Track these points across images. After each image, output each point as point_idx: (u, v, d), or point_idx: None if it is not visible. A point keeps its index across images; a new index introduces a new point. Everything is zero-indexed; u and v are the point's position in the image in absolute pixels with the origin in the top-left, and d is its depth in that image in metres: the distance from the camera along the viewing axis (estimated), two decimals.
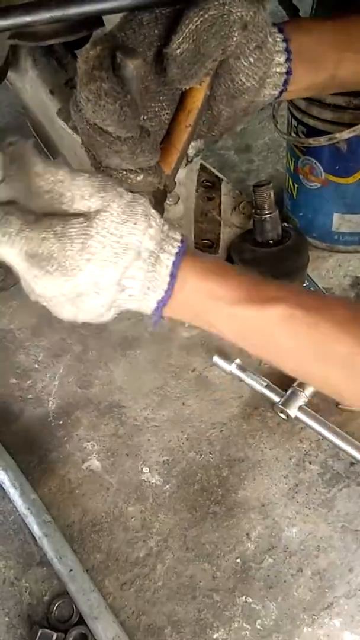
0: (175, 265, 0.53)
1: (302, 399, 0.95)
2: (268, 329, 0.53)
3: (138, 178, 0.56)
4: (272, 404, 0.98)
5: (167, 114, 0.61)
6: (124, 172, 0.55)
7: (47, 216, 0.50)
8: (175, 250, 0.54)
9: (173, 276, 0.53)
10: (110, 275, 0.51)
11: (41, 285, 0.52)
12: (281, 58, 0.63)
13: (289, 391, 0.96)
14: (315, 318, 0.51)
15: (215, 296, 0.54)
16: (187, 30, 0.52)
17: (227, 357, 1.01)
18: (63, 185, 0.51)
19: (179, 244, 0.54)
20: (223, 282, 0.54)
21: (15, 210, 0.50)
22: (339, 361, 0.51)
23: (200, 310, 0.55)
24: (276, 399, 0.97)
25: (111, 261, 0.51)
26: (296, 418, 0.96)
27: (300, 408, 0.95)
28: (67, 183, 0.51)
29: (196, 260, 0.55)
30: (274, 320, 0.52)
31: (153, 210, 0.54)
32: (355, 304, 0.60)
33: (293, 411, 0.95)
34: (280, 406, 0.96)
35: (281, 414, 0.97)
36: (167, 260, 0.53)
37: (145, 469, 0.95)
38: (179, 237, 0.55)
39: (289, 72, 0.64)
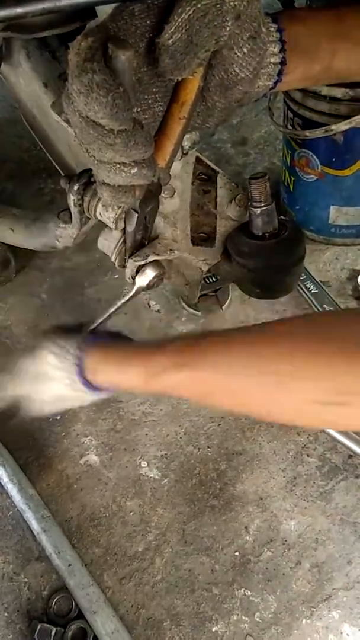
0: (83, 381, 0.67)
1: None
2: (174, 391, 0.61)
3: (132, 171, 0.55)
4: None
5: (160, 105, 0.61)
6: (118, 165, 0.55)
7: None
8: (76, 372, 0.67)
9: (87, 385, 0.67)
10: (55, 393, 0.71)
11: (31, 411, 0.74)
12: (275, 48, 0.62)
13: None
14: (193, 371, 0.58)
15: (123, 384, 0.66)
16: (179, 19, 0.52)
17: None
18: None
19: (76, 367, 0.67)
20: (122, 374, 0.65)
21: None
22: (227, 397, 0.58)
23: (122, 389, 0.69)
24: None
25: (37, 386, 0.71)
26: None
27: None
28: None
29: (96, 365, 0.67)
30: (171, 387, 0.60)
31: (50, 362, 0.68)
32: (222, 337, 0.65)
33: None
34: None
35: None
36: (78, 383, 0.67)
37: (144, 464, 0.95)
38: (74, 357, 0.67)
39: (283, 63, 0.63)
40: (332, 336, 0.51)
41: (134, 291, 0.81)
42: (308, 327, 0.54)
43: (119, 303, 0.79)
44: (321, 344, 0.50)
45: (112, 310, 0.77)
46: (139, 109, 0.58)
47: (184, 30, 0.52)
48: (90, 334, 0.71)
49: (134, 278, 0.87)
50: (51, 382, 0.69)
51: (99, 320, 0.74)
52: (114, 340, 0.70)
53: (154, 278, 0.83)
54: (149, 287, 0.86)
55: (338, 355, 0.48)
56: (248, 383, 0.54)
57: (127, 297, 0.79)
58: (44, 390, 0.70)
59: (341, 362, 0.48)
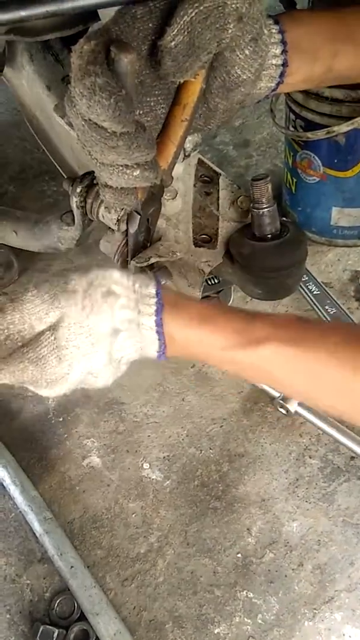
0: (158, 324, 0.55)
1: None
2: (263, 367, 0.55)
3: (134, 173, 0.55)
4: (272, 398, 0.98)
5: (162, 108, 0.61)
6: (120, 168, 0.55)
7: (20, 347, 0.54)
8: (153, 309, 0.55)
9: (159, 333, 0.55)
10: (97, 361, 0.55)
11: (43, 394, 0.57)
12: (277, 50, 0.62)
13: None
14: (307, 351, 0.53)
15: (206, 345, 0.55)
16: (181, 22, 0.52)
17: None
18: (16, 321, 0.54)
19: (154, 300, 0.55)
20: (210, 330, 0.55)
21: None
22: (333, 387, 0.53)
23: (197, 355, 0.58)
24: (276, 393, 0.97)
25: (91, 352, 0.54)
26: (296, 413, 0.95)
27: (300, 403, 0.95)
28: (18, 316, 0.54)
29: (178, 310, 0.56)
30: (267, 360, 0.54)
31: (115, 276, 0.55)
32: (347, 327, 0.61)
33: (293, 406, 0.95)
34: (280, 401, 0.96)
35: (281, 409, 0.97)
36: (149, 322, 0.55)
37: (146, 465, 0.95)
38: (153, 290, 0.56)
39: (285, 64, 0.63)
40: None
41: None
42: None
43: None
44: None
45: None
46: (141, 112, 0.59)
47: (186, 33, 0.52)
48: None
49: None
50: (112, 338, 0.54)
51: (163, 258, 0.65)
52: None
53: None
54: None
55: None
56: (342, 378, 0.51)
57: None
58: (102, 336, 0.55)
59: None
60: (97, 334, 0.54)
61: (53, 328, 0.53)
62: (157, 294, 0.55)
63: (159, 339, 0.55)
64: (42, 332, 0.54)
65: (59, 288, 0.55)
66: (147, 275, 0.58)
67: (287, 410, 0.95)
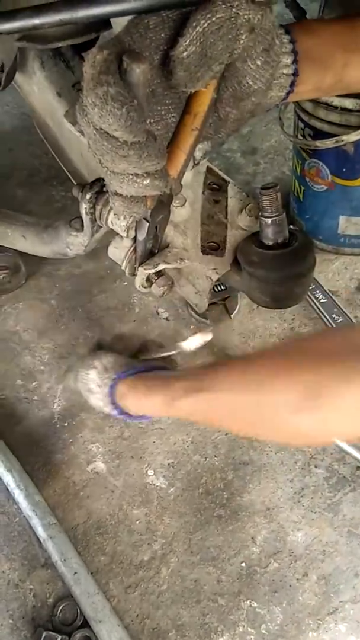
0: (115, 405, 0.73)
1: None
2: (191, 415, 0.65)
3: (145, 182, 0.55)
4: None
5: (173, 117, 0.61)
6: (131, 176, 0.55)
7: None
8: (109, 396, 0.72)
9: (118, 410, 0.73)
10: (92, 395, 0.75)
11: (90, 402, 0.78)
12: (288, 59, 0.62)
13: None
14: (213, 394, 0.60)
15: (147, 410, 0.70)
16: (194, 32, 0.52)
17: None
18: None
19: (109, 395, 0.72)
20: (146, 400, 0.68)
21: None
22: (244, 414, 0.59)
23: (149, 413, 0.72)
24: None
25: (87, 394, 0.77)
26: None
27: None
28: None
29: (126, 393, 0.71)
30: (187, 410, 0.63)
31: (94, 379, 0.74)
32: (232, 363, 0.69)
33: None
34: None
35: None
36: (110, 406, 0.73)
37: (150, 472, 0.95)
38: (109, 388, 0.72)
39: (295, 74, 0.64)
40: (304, 351, 0.55)
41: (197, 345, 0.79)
42: (287, 348, 0.60)
43: (181, 347, 0.77)
44: (293, 361, 0.54)
45: (170, 352, 0.77)
46: (151, 120, 0.59)
47: (198, 43, 0.53)
48: (138, 363, 0.76)
49: (144, 286, 0.88)
50: (91, 394, 0.75)
51: (155, 356, 0.78)
52: (152, 371, 0.73)
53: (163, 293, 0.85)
54: (160, 295, 0.87)
55: (305, 366, 0.51)
56: (242, 404, 0.57)
57: (192, 347, 0.77)
58: (88, 396, 0.76)
59: (308, 372, 0.50)
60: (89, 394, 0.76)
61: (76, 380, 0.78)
62: (111, 387, 0.72)
63: (116, 413, 0.73)
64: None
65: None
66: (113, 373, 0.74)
67: None
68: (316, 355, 0.52)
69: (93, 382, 0.74)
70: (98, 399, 0.74)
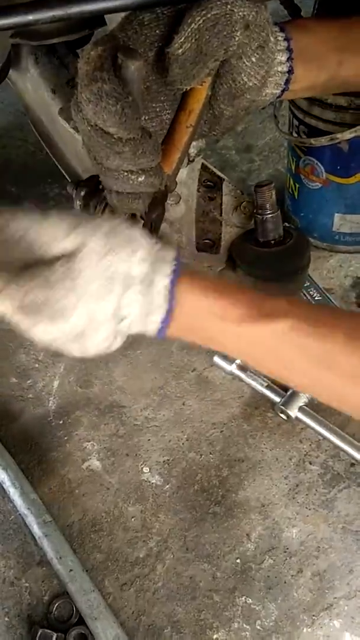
0: (172, 286, 0.51)
1: (302, 399, 0.95)
2: (273, 343, 0.52)
3: (139, 179, 0.55)
4: (273, 404, 0.98)
5: (168, 114, 0.61)
6: (125, 173, 0.55)
7: (30, 267, 0.49)
8: (170, 270, 0.51)
9: (171, 298, 0.51)
10: (103, 309, 0.50)
11: (37, 334, 0.51)
12: (283, 57, 0.62)
13: (290, 391, 0.96)
14: (322, 330, 0.50)
15: (217, 314, 0.52)
16: (189, 29, 0.52)
17: (228, 357, 1.01)
18: (33, 233, 0.49)
19: (173, 264, 0.52)
20: (224, 299, 0.52)
21: None
22: (345, 372, 0.51)
23: (203, 329, 0.54)
24: (277, 399, 0.97)
25: (101, 296, 0.50)
26: (296, 418, 0.95)
27: (300, 408, 0.95)
28: (35, 230, 0.49)
29: (194, 279, 0.53)
30: (279, 335, 0.51)
31: (139, 232, 0.52)
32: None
33: (293, 411, 0.95)
34: (281, 406, 0.96)
35: (281, 415, 0.97)
36: (163, 281, 0.51)
37: (146, 469, 0.95)
38: (172, 255, 0.53)
39: (290, 71, 0.64)
40: None
41: None
42: None
43: None
44: None
45: None
46: (146, 117, 0.59)
47: (193, 40, 0.53)
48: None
49: None
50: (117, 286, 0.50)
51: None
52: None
53: None
54: None
55: None
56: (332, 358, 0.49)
57: None
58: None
59: None
60: (112, 277, 0.50)
61: (69, 256, 0.49)
62: (176, 259, 0.52)
63: (167, 304, 0.51)
64: (57, 257, 0.49)
65: (83, 219, 0.51)
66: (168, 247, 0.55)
67: (288, 416, 0.95)
68: None
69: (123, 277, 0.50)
70: (134, 291, 0.50)
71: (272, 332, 0.51)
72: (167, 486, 0.93)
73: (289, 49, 0.63)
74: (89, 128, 0.52)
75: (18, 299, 0.49)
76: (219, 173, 0.94)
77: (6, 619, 0.82)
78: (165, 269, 0.51)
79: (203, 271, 0.58)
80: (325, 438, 0.94)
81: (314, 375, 0.53)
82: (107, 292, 0.50)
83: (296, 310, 0.52)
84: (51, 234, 0.49)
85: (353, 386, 0.51)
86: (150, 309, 0.51)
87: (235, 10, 0.54)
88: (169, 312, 0.52)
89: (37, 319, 0.50)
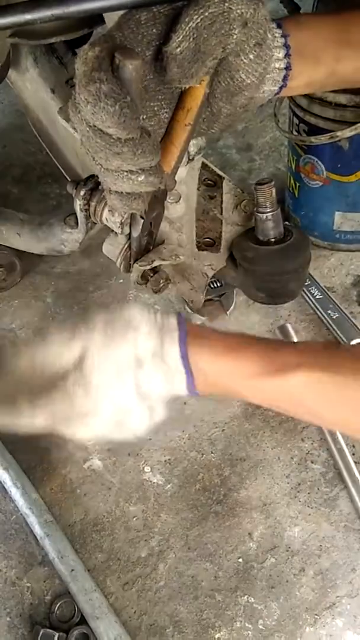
0: (183, 354, 0.53)
1: None
2: (295, 395, 0.53)
3: (139, 179, 0.55)
4: None
5: (166, 112, 0.61)
6: (125, 173, 0.55)
7: (50, 384, 0.54)
8: (176, 338, 0.54)
9: (185, 364, 0.54)
10: (125, 395, 0.53)
11: (83, 437, 0.56)
12: (280, 53, 0.62)
13: None
14: (340, 376, 0.51)
15: (234, 375, 0.54)
16: (187, 28, 0.52)
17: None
18: (41, 358, 0.55)
19: (177, 331, 0.54)
20: (234, 360, 0.54)
21: (20, 395, 0.54)
22: None
23: (227, 388, 0.56)
24: None
25: (117, 383, 0.53)
26: None
27: None
28: (41, 354, 0.55)
29: (202, 341, 0.55)
30: (299, 388, 0.52)
31: (137, 310, 0.55)
32: None
33: None
34: None
35: None
36: (173, 352, 0.54)
37: (147, 469, 0.95)
38: (175, 321, 0.55)
39: (288, 68, 0.63)
40: None
41: None
42: None
43: None
44: None
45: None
46: (144, 116, 0.58)
47: (191, 39, 0.52)
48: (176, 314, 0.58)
49: (139, 283, 0.88)
50: (135, 363, 0.53)
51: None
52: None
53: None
54: (156, 292, 0.87)
55: None
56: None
57: None
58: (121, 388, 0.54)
59: None
60: (121, 364, 0.53)
61: (78, 363, 0.54)
62: (180, 324, 0.55)
63: (184, 370, 0.54)
64: (69, 369, 0.54)
65: (77, 324, 0.56)
66: (169, 312, 0.58)
67: None
68: None
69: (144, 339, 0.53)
70: (157, 367, 0.53)
71: (287, 385, 0.53)
72: (169, 485, 0.93)
73: (286, 46, 0.62)
74: (88, 129, 0.51)
75: (49, 417, 0.53)
76: (219, 171, 0.94)
77: (8, 618, 0.82)
78: (171, 339, 0.54)
79: (210, 329, 0.59)
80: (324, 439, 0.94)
81: (339, 418, 0.55)
82: (121, 382, 0.53)
83: (308, 359, 0.53)
84: (54, 352, 0.55)
85: None
86: (171, 377, 0.54)
87: (233, 7, 0.54)
88: (189, 375, 0.54)
89: (73, 426, 0.54)
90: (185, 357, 0.53)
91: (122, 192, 0.59)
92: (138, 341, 0.54)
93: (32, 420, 0.54)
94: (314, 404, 0.53)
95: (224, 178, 0.93)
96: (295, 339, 1.01)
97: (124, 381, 0.53)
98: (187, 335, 0.54)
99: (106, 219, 0.84)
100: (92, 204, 0.84)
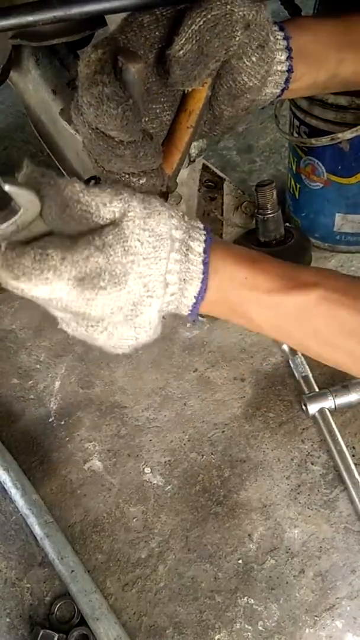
0: (207, 252, 0.52)
1: (329, 403, 0.95)
2: (304, 313, 0.53)
3: (141, 181, 0.55)
4: (301, 392, 0.98)
5: (168, 115, 0.61)
6: (127, 176, 0.55)
7: (82, 235, 0.49)
8: (203, 237, 0.53)
9: (206, 264, 0.52)
10: (156, 271, 0.51)
11: (97, 306, 0.50)
12: (282, 56, 0.62)
13: (323, 390, 0.96)
14: (352, 302, 0.52)
15: (250, 285, 0.53)
16: (189, 30, 0.52)
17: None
18: (87, 197, 0.49)
19: (204, 232, 0.53)
20: (257, 270, 0.53)
21: (50, 242, 0.48)
22: None
23: (235, 301, 0.54)
24: (306, 390, 0.97)
25: (152, 256, 0.50)
26: (313, 416, 0.95)
27: (321, 410, 0.95)
28: (88, 194, 0.49)
29: (227, 249, 0.54)
30: (313, 306, 0.52)
31: (167, 204, 0.54)
32: None
33: (313, 407, 0.95)
34: (305, 398, 0.96)
35: (303, 406, 0.97)
36: (198, 247, 0.52)
37: (147, 470, 0.95)
38: (202, 225, 0.54)
39: (290, 70, 0.64)
40: None
41: None
42: None
43: None
44: None
45: None
46: (146, 119, 0.59)
47: (194, 41, 0.53)
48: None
49: None
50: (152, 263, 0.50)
51: None
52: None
53: None
54: None
55: None
56: None
57: None
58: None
59: None
60: (158, 236, 0.51)
61: (117, 222, 0.49)
62: (206, 229, 0.54)
63: (203, 271, 0.52)
64: (105, 224, 0.49)
65: (119, 186, 0.52)
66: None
67: (306, 410, 0.95)
68: None
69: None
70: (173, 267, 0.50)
71: (304, 302, 0.52)
72: (169, 487, 0.93)
73: (288, 48, 0.63)
74: (90, 131, 0.51)
75: (79, 267, 0.47)
76: (220, 173, 0.94)
77: (8, 619, 0.82)
78: (199, 236, 0.53)
79: (234, 244, 0.57)
80: (324, 440, 0.94)
81: (343, 345, 0.53)
82: (157, 253, 0.50)
83: (328, 281, 0.53)
84: (99, 199, 0.49)
85: None
86: (187, 277, 0.52)
87: (236, 10, 0.54)
88: (204, 281, 0.52)
89: (97, 287, 0.48)
90: (207, 254, 0.52)
91: None
92: (172, 224, 0.52)
93: (57, 275, 0.47)
94: (324, 325, 0.52)
95: (224, 179, 0.93)
96: None
97: (158, 255, 0.51)
98: (212, 239, 0.53)
99: None
100: None
